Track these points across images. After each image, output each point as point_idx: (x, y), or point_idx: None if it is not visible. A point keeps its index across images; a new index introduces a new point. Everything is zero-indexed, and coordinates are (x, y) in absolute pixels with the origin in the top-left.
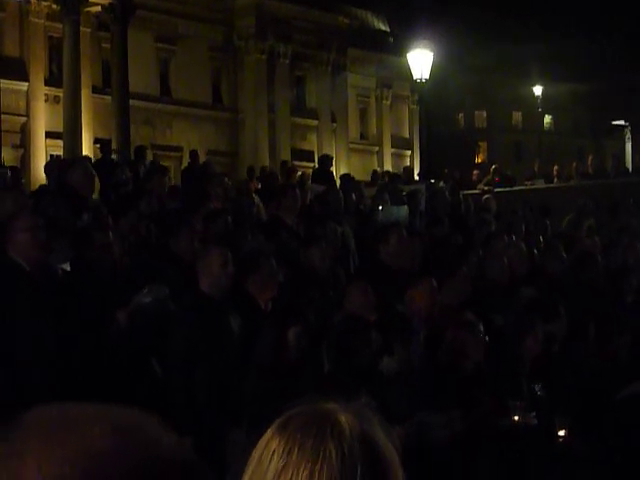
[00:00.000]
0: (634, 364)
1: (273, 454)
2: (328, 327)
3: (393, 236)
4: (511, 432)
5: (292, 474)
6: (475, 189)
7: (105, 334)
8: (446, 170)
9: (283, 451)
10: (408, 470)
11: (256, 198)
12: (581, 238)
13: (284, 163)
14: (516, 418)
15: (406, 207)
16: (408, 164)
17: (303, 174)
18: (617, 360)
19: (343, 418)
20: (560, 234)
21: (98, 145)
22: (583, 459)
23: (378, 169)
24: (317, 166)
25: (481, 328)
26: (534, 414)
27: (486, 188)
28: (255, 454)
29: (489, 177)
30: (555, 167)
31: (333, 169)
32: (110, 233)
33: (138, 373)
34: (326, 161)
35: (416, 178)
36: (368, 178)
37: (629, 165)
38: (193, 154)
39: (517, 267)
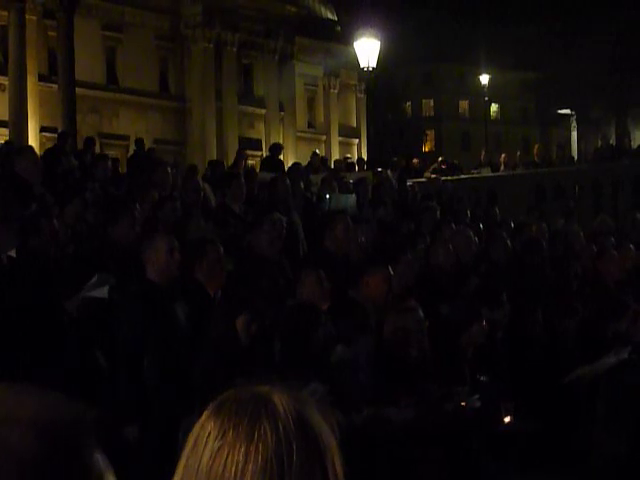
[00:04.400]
0: (580, 349)
1: (208, 437)
2: (279, 315)
3: (339, 224)
4: (457, 417)
5: (228, 455)
6: (419, 177)
7: (51, 321)
8: (395, 158)
9: (218, 432)
10: (359, 459)
11: (206, 186)
12: (529, 225)
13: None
14: (462, 403)
15: (354, 195)
16: (356, 152)
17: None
18: (564, 345)
19: (278, 399)
20: (504, 221)
21: (46, 133)
22: (528, 443)
23: (349, 155)
24: (267, 154)
25: (421, 314)
26: (477, 397)
27: (433, 176)
28: (190, 438)
29: (435, 165)
30: (503, 155)
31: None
32: (55, 221)
33: (83, 363)
34: (276, 149)
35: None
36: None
37: (575, 154)
38: (138, 142)
39: (464, 254)
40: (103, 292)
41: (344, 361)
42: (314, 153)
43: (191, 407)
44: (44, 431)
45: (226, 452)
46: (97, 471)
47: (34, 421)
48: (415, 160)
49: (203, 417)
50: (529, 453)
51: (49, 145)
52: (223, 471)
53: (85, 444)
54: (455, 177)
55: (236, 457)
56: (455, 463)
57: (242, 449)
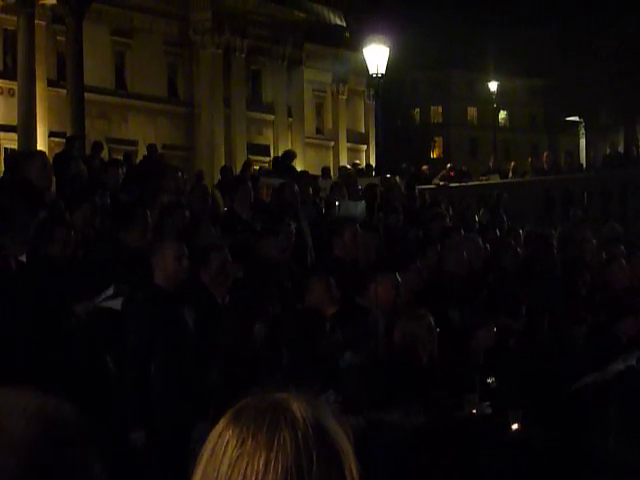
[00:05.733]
0: (589, 355)
1: (227, 445)
2: (284, 320)
3: (347, 231)
4: (468, 424)
5: (247, 464)
6: (430, 184)
7: (61, 326)
8: (404, 165)
9: (237, 441)
10: (361, 465)
11: (216, 192)
12: (540, 232)
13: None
14: (473, 411)
15: (363, 202)
16: (364, 159)
17: (260, 168)
18: (572, 352)
19: (296, 407)
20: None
21: (54, 138)
22: (536, 448)
23: (357, 161)
24: (279, 160)
25: (431, 321)
26: (488, 403)
27: (441, 183)
28: (208, 446)
29: (444, 172)
30: (512, 163)
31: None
32: (72, 230)
33: (93, 368)
34: (287, 156)
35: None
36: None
37: (583, 161)
38: (151, 148)
39: (474, 261)
40: (117, 304)
41: (353, 367)
42: (324, 169)
43: (205, 413)
44: (46, 421)
45: (245, 461)
46: (93, 458)
47: (37, 413)
48: (425, 167)
49: (221, 425)
50: (538, 460)
51: (58, 150)
52: None
53: (81, 436)
54: (463, 184)
55: (256, 466)
56: (463, 468)
57: (262, 458)
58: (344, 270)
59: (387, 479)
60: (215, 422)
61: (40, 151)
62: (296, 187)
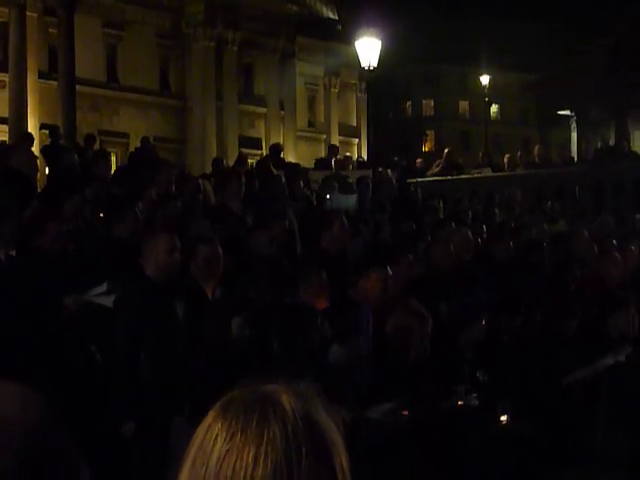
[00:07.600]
0: (580, 350)
1: (216, 438)
2: (276, 315)
3: (335, 223)
4: (454, 415)
5: (236, 458)
6: (422, 177)
7: (50, 319)
8: (396, 158)
9: (226, 435)
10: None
11: (207, 185)
12: (528, 226)
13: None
14: (459, 402)
15: (355, 196)
16: (356, 152)
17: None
18: (563, 346)
19: (285, 399)
20: (504, 222)
21: (45, 131)
22: (525, 442)
23: (348, 154)
24: (267, 154)
25: (427, 316)
26: (475, 395)
27: (437, 170)
28: (196, 439)
29: (441, 161)
30: (506, 156)
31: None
32: (62, 223)
33: (80, 359)
34: (275, 149)
35: None
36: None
37: (575, 155)
38: (144, 141)
39: (463, 254)
40: (109, 301)
41: (340, 361)
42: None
43: (181, 406)
44: (41, 405)
45: (235, 456)
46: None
47: (22, 421)
48: (419, 160)
49: (209, 418)
50: (528, 454)
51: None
52: (232, 475)
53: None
54: (455, 177)
55: (245, 461)
56: (451, 460)
57: (251, 453)
58: (332, 263)
59: (375, 472)
60: (193, 417)
61: (25, 137)
62: (283, 179)
